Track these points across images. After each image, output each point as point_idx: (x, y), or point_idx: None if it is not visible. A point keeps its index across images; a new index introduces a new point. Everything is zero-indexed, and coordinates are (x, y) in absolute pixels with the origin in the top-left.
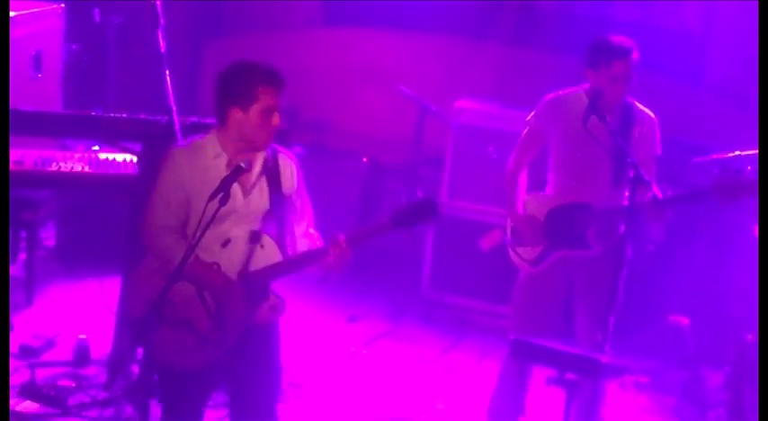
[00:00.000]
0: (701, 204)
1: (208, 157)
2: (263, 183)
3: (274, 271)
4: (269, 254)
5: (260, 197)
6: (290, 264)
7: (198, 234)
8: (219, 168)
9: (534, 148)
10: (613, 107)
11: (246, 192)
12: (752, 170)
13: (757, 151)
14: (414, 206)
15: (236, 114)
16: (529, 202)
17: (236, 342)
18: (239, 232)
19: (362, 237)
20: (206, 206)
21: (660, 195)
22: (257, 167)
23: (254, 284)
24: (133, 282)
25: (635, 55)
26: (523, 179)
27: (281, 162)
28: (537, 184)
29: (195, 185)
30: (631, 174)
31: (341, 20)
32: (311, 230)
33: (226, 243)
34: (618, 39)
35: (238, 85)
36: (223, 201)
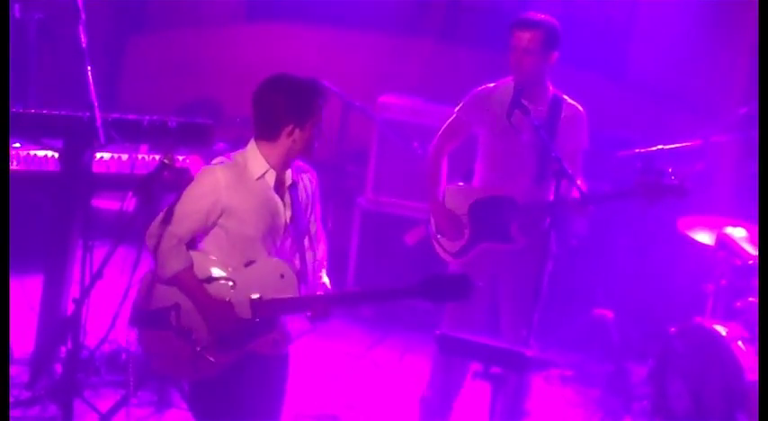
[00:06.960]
0: (625, 202)
1: (251, 176)
2: (287, 198)
3: (286, 305)
4: (288, 285)
5: (284, 211)
6: (301, 303)
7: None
8: (268, 185)
9: (455, 139)
10: (540, 100)
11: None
12: (672, 172)
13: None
14: (448, 280)
15: (292, 130)
16: (454, 193)
17: (233, 367)
18: (264, 253)
19: (388, 297)
20: (256, 225)
21: (584, 189)
22: (288, 180)
23: (264, 313)
24: (141, 286)
25: (532, 32)
26: (444, 168)
27: (299, 174)
28: (465, 175)
29: (233, 206)
30: (555, 167)
31: (264, 15)
32: (324, 279)
33: (249, 263)
34: (531, 13)
35: (297, 102)
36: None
